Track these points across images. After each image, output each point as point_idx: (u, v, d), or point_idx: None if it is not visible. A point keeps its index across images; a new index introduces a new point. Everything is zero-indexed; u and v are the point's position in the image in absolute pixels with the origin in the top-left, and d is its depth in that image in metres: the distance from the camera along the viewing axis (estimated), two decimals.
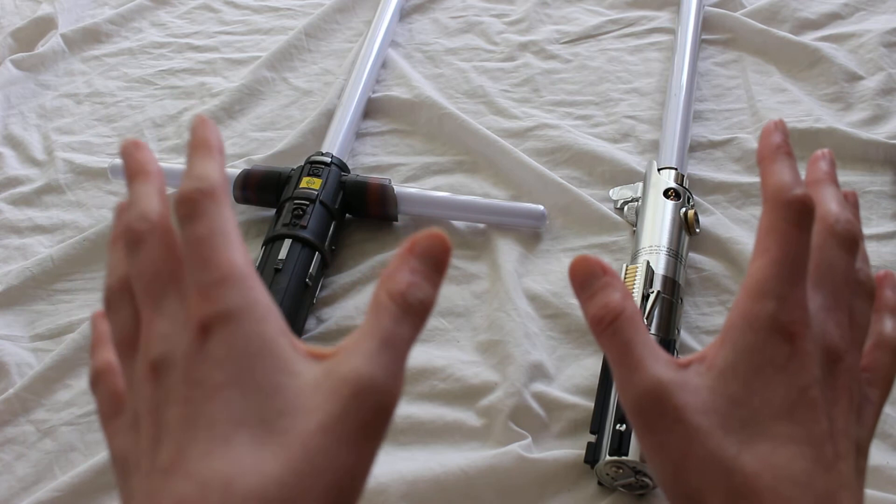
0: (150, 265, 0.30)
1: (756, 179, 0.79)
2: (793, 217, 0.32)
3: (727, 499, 0.30)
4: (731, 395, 0.31)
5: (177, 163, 0.87)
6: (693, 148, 0.82)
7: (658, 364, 0.31)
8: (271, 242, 0.71)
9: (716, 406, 0.31)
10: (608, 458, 0.56)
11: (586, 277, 0.33)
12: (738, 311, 0.32)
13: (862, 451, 0.33)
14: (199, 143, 0.32)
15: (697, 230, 0.71)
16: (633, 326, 0.32)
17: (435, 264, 0.29)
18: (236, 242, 0.29)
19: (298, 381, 0.28)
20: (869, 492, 0.56)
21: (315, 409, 0.27)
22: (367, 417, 0.27)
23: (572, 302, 0.70)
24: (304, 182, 0.75)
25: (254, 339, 0.28)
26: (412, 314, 0.28)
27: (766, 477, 0.29)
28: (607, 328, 0.32)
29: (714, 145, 0.83)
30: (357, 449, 0.26)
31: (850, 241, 0.34)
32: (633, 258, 0.69)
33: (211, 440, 0.26)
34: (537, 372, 0.65)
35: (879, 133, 0.80)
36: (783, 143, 0.35)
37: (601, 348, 0.33)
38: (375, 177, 0.78)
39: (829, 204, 0.35)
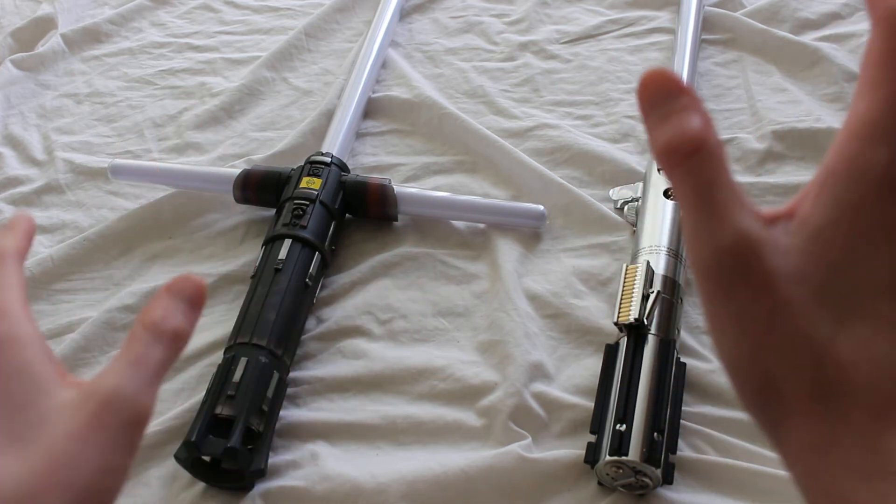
0: None
1: (757, 179, 0.79)
2: None
3: (814, 391, 0.25)
4: (829, 261, 0.25)
5: (176, 163, 0.87)
6: None
7: (745, 214, 0.26)
8: (271, 242, 0.71)
9: (810, 273, 0.25)
10: (608, 458, 0.56)
11: (660, 94, 0.27)
12: (842, 156, 0.26)
13: None
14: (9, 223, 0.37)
15: None
16: (716, 162, 0.26)
17: (189, 302, 0.33)
18: (15, 291, 0.33)
19: (53, 399, 0.30)
20: None
21: (65, 420, 0.30)
22: (114, 425, 0.30)
23: (572, 302, 0.70)
24: (304, 182, 0.75)
25: (12, 362, 0.31)
26: (164, 340, 0.32)
27: (864, 368, 0.24)
28: (683, 161, 0.26)
29: None
30: (104, 453, 0.29)
31: None
32: (633, 258, 0.69)
33: None
34: (537, 372, 0.65)
35: None
36: None
37: (673, 186, 0.27)
38: (375, 177, 0.78)
39: None
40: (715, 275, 0.26)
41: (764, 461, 0.58)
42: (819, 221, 0.26)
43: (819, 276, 0.25)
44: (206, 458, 0.59)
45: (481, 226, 0.77)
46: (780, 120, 0.83)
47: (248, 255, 0.76)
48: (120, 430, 0.30)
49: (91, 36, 1.04)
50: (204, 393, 0.62)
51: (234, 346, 0.64)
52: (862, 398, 0.24)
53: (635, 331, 0.62)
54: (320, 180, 0.75)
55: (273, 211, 0.76)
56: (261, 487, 0.60)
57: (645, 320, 0.61)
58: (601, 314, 0.69)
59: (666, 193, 0.72)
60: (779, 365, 0.25)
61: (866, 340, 0.25)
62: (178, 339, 0.32)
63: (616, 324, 0.63)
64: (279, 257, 0.69)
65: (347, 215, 0.78)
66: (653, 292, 0.63)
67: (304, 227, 0.71)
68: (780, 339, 0.25)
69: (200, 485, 0.60)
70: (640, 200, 0.74)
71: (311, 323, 0.71)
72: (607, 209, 0.76)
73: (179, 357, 0.32)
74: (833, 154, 0.26)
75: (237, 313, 0.67)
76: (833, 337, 0.25)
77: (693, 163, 0.26)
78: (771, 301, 0.25)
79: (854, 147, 0.26)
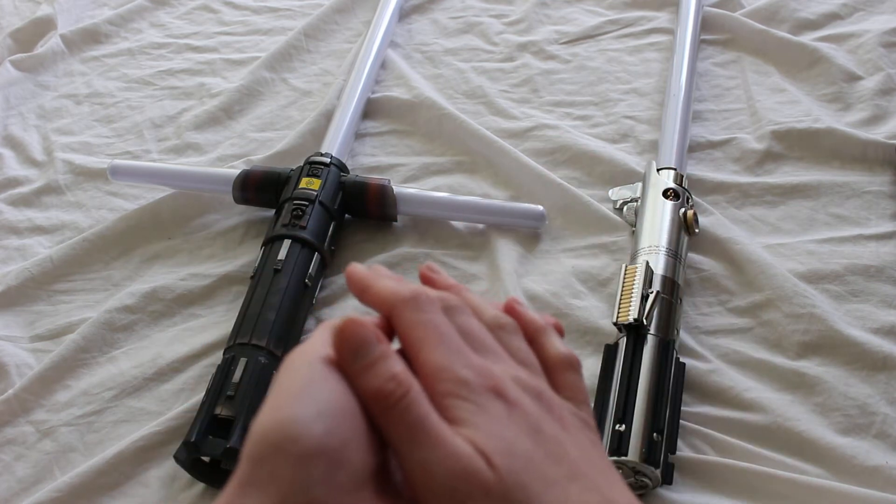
0: None
1: (756, 179, 0.79)
2: None
3: None
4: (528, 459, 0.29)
5: (176, 163, 0.87)
6: (692, 148, 0.82)
7: (458, 438, 0.28)
8: (270, 243, 0.71)
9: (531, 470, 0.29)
10: (607, 458, 0.56)
11: (361, 344, 0.29)
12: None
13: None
14: None
15: (697, 230, 0.71)
16: (424, 399, 0.29)
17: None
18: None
19: None
20: (869, 492, 0.56)
21: None
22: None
23: (572, 302, 0.70)
24: (304, 182, 0.75)
25: None
26: None
27: None
28: (398, 403, 0.28)
29: (713, 145, 0.83)
30: None
31: None
32: (633, 258, 0.69)
33: None
34: None
35: (878, 133, 0.80)
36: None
37: (385, 427, 0.28)
38: (375, 177, 0.78)
39: None
40: (453, 495, 0.27)
41: (763, 461, 0.58)
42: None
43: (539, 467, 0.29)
44: (206, 459, 0.59)
45: (480, 226, 0.77)
46: (778, 120, 0.83)
47: (248, 256, 0.76)
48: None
49: (90, 37, 1.04)
50: (203, 393, 0.62)
51: (234, 347, 0.64)
52: None
53: (634, 331, 0.62)
54: (319, 181, 0.75)
55: (272, 211, 0.76)
56: None
57: (644, 320, 0.61)
58: (600, 314, 0.69)
59: (665, 194, 0.72)
60: None
61: None
62: None
63: (615, 324, 0.63)
64: (278, 258, 0.69)
65: (347, 216, 0.78)
66: (652, 292, 0.63)
67: (303, 228, 0.71)
68: None
69: (200, 485, 0.60)
70: (640, 201, 0.74)
71: (310, 323, 0.71)
72: (606, 209, 0.76)
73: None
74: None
75: (236, 314, 0.67)
76: None
77: (406, 402, 0.28)
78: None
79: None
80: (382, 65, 0.95)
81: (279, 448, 0.26)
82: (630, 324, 0.62)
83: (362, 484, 0.27)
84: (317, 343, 0.30)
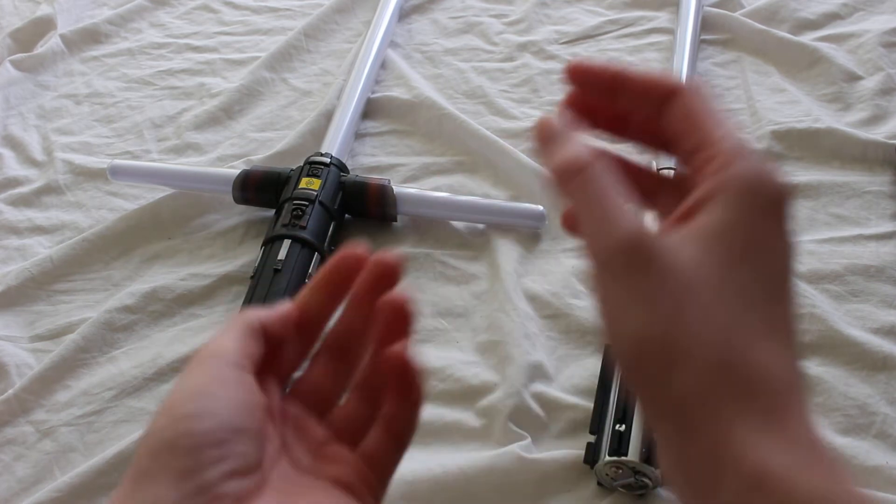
0: None
1: None
2: None
3: (721, 366, 0.27)
4: (722, 261, 0.28)
5: (176, 163, 0.87)
6: None
7: (631, 219, 0.28)
8: (271, 243, 0.71)
9: (708, 270, 0.28)
10: (608, 458, 0.56)
11: (550, 134, 0.31)
12: (733, 173, 0.29)
13: None
14: None
15: None
16: (605, 177, 0.30)
17: None
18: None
19: None
20: (869, 492, 0.56)
21: None
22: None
23: (572, 302, 0.70)
24: (304, 182, 0.75)
25: None
26: None
27: (761, 364, 0.27)
28: (576, 177, 0.30)
29: None
30: None
31: None
32: None
33: None
34: (537, 372, 0.65)
35: (878, 133, 0.80)
36: None
37: (569, 201, 0.30)
38: (375, 177, 0.78)
39: None
40: (613, 266, 0.28)
41: None
42: (715, 227, 0.28)
43: (716, 273, 0.28)
44: None
45: (481, 226, 0.77)
46: (778, 120, 0.83)
47: (248, 256, 0.76)
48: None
49: (90, 36, 1.04)
50: None
51: None
52: (765, 395, 0.26)
53: None
54: (319, 181, 0.75)
55: (272, 211, 0.76)
56: None
57: None
58: None
59: None
60: (690, 340, 0.27)
61: (760, 338, 0.27)
62: None
63: None
64: (278, 258, 0.69)
65: (347, 216, 0.78)
66: None
67: (303, 228, 0.71)
68: (690, 318, 0.27)
69: None
70: None
71: None
72: None
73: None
74: (712, 166, 0.30)
75: (236, 314, 0.67)
76: (731, 331, 0.27)
77: (585, 177, 0.30)
78: (677, 285, 0.27)
79: (742, 165, 0.29)
80: (382, 65, 0.95)
81: (172, 443, 0.29)
82: None
83: (251, 470, 0.30)
84: (226, 341, 0.33)
